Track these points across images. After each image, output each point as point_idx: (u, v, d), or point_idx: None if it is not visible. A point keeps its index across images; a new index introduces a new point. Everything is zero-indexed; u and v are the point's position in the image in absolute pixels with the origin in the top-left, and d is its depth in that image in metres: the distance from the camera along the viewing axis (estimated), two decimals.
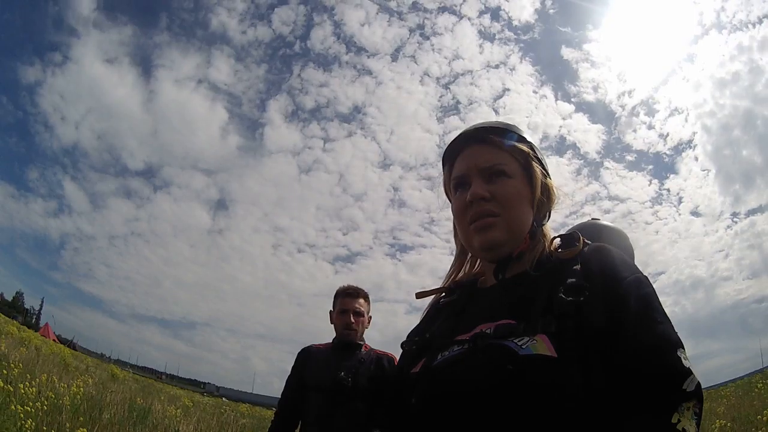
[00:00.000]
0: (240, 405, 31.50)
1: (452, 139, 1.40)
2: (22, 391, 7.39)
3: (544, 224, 1.35)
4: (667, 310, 1.09)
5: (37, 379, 9.05)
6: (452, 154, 1.40)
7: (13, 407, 6.31)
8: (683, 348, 1.03)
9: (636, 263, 1.30)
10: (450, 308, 1.39)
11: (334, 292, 3.84)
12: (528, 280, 1.21)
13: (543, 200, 1.34)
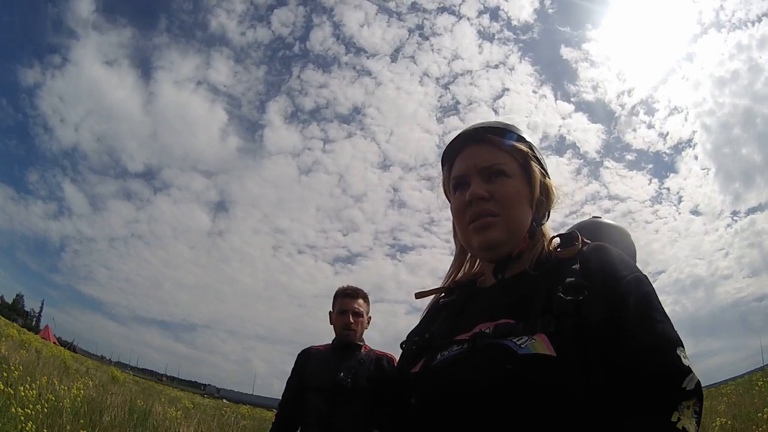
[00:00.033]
0: (241, 406, 31.52)
1: (451, 140, 1.41)
2: (23, 393, 7.40)
3: (543, 224, 1.35)
4: (667, 309, 1.09)
5: (38, 382, 9.06)
6: (451, 154, 1.40)
7: (13, 410, 6.32)
8: (683, 347, 1.03)
9: (638, 261, 1.29)
10: (449, 308, 1.39)
11: (334, 292, 3.84)
12: (527, 279, 1.21)
13: (542, 200, 1.34)
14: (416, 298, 1.49)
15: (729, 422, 9.45)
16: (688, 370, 0.99)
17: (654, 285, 1.14)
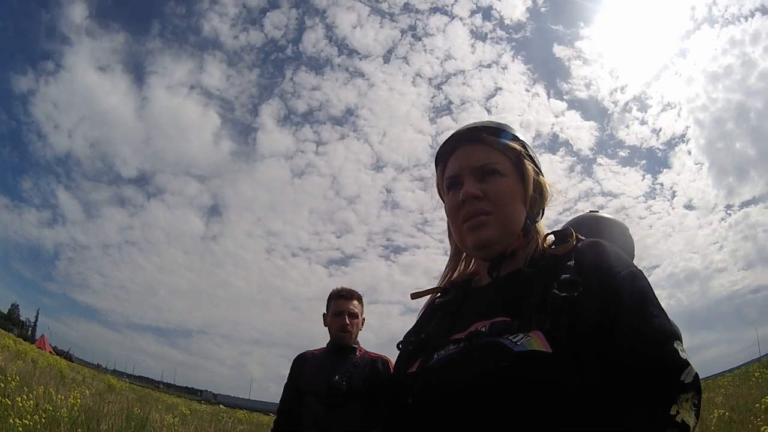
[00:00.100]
0: (237, 411, 31.42)
1: (444, 140, 1.41)
2: (20, 404, 7.37)
3: (537, 221, 1.35)
4: (662, 304, 1.10)
5: (35, 392, 9.00)
6: (445, 154, 1.41)
7: (11, 421, 6.30)
8: (680, 340, 1.04)
9: (638, 253, 1.30)
10: (445, 308, 1.40)
11: (328, 295, 3.85)
12: (522, 277, 1.22)
13: (536, 197, 1.34)
14: (412, 298, 1.49)
15: (727, 414, 9.46)
16: (685, 363, 1.00)
17: (649, 279, 1.14)
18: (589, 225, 1.85)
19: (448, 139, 1.40)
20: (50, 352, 34.30)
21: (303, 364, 3.73)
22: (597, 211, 2.07)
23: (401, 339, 1.41)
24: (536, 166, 1.37)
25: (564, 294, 1.07)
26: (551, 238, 1.31)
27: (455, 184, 1.34)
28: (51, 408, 8.10)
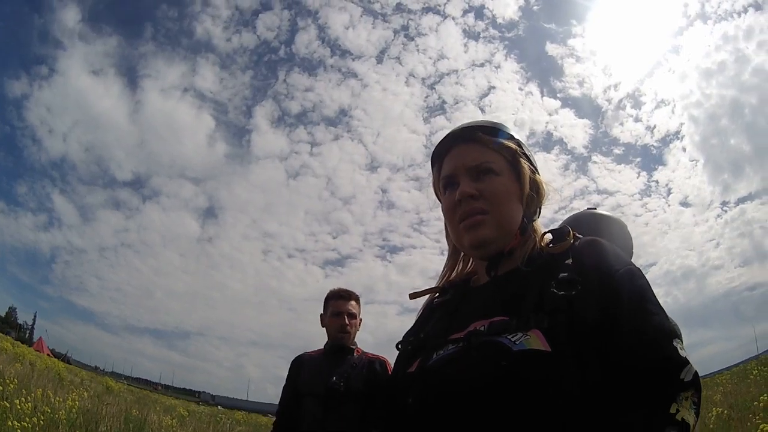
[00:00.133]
0: (236, 412, 31.47)
1: (440, 140, 1.42)
2: (19, 407, 7.38)
3: (534, 220, 1.35)
4: (659, 301, 1.10)
5: (33, 394, 9.01)
6: (440, 154, 1.41)
7: (10, 423, 6.31)
8: (680, 338, 1.04)
9: (635, 251, 1.31)
10: (444, 308, 1.40)
11: (325, 295, 3.85)
12: (519, 276, 1.21)
13: (532, 196, 1.34)
14: (411, 298, 1.50)
15: (725, 412, 9.49)
16: (685, 362, 1.00)
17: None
18: (588, 222, 1.85)
19: (443, 139, 1.41)
20: (48, 354, 34.34)
21: (301, 365, 3.73)
22: (595, 209, 2.07)
23: (400, 339, 1.41)
24: (532, 164, 1.37)
25: (562, 293, 1.07)
26: (549, 236, 1.31)
27: (451, 183, 1.34)
28: (49, 410, 8.11)
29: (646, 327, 1.03)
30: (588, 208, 2.08)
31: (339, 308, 3.69)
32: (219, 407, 45.63)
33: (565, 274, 1.12)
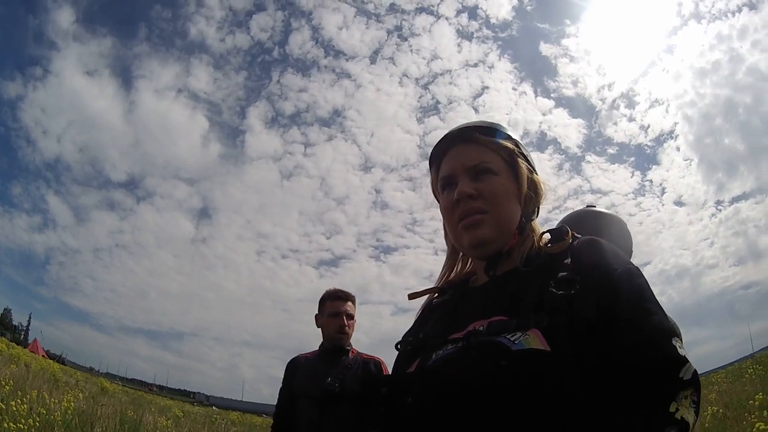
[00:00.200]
0: (230, 413, 31.37)
1: (438, 140, 1.42)
2: (14, 408, 7.35)
3: (533, 219, 1.36)
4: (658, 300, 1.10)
5: (28, 396, 8.97)
6: (438, 154, 1.42)
7: (5, 425, 6.30)
8: (679, 337, 1.04)
9: (634, 248, 1.32)
10: (443, 308, 1.40)
11: (320, 296, 3.84)
12: (518, 276, 1.22)
13: (530, 195, 1.35)
14: (410, 299, 1.50)
15: (721, 410, 9.53)
16: (684, 360, 1.00)
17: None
18: (588, 220, 1.86)
19: (441, 139, 1.41)
20: (43, 356, 34.29)
21: (296, 367, 3.74)
22: (595, 206, 2.07)
23: (399, 339, 1.42)
24: (530, 164, 1.38)
25: (561, 292, 1.07)
26: (547, 236, 1.32)
27: (449, 183, 1.35)
28: (45, 412, 8.09)
29: (645, 326, 1.03)
30: (588, 206, 2.08)
31: (337, 309, 3.69)
32: (214, 408, 45.51)
33: (564, 273, 1.12)
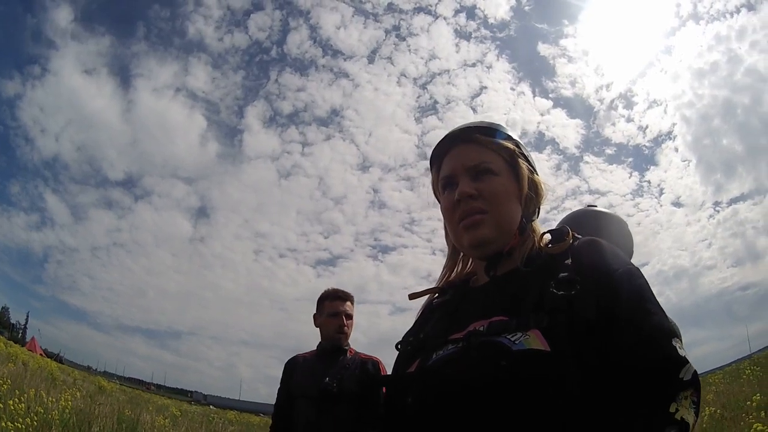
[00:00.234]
0: (228, 412, 31.43)
1: (439, 140, 1.42)
2: (12, 407, 7.36)
3: (533, 220, 1.36)
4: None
5: (26, 395, 8.97)
6: (439, 155, 1.42)
7: (3, 423, 6.30)
8: (679, 337, 1.04)
9: (635, 247, 1.31)
10: (443, 308, 1.40)
11: (318, 295, 3.83)
12: (519, 276, 1.22)
13: (531, 196, 1.35)
14: (410, 299, 1.50)
15: (718, 411, 9.54)
16: (684, 361, 1.00)
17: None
18: (588, 220, 1.86)
19: (441, 140, 1.41)
20: (41, 354, 34.17)
21: (294, 367, 3.73)
22: (595, 206, 2.07)
23: (399, 339, 1.41)
24: (530, 164, 1.38)
25: (561, 292, 1.08)
26: (548, 236, 1.32)
27: (450, 184, 1.35)
28: (42, 410, 8.09)
29: (645, 326, 1.03)
30: (588, 206, 2.08)
31: (336, 309, 3.69)
32: (211, 407, 45.43)
33: (565, 273, 1.12)
